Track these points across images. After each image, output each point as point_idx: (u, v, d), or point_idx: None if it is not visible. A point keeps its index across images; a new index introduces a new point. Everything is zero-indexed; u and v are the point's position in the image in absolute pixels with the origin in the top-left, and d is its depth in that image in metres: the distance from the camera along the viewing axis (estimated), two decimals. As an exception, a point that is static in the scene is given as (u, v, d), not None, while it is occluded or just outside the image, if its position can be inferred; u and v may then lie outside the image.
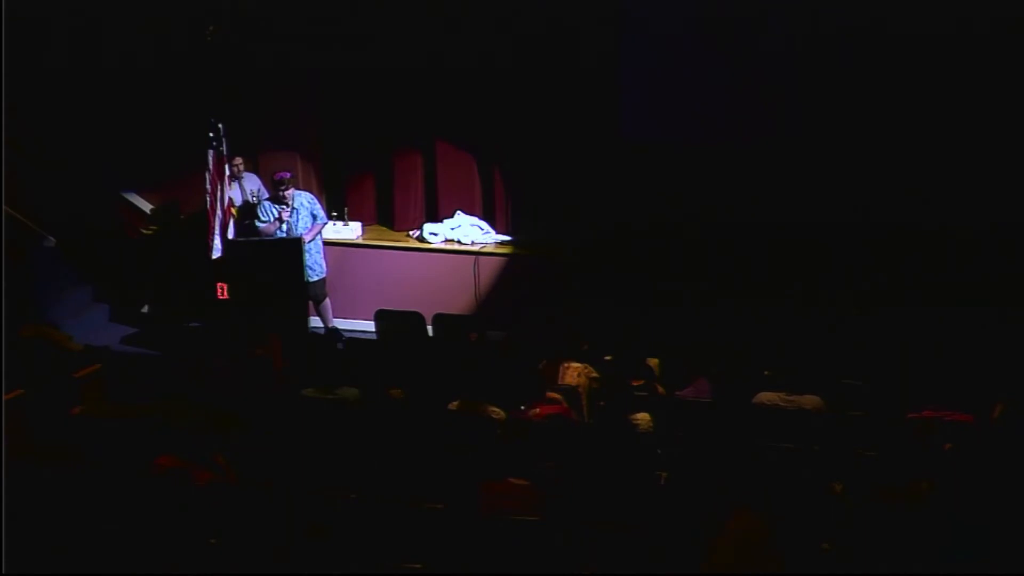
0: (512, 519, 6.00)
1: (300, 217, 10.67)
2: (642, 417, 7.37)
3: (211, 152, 10.13)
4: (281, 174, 10.64)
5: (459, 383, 7.94)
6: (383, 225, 11.78)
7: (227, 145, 10.25)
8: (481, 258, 11.15)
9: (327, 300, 11.06)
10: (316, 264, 10.84)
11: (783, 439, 7.20)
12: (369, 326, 10.47)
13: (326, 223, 11.02)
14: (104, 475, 6.46)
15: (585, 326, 9.26)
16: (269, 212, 10.65)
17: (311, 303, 10.98)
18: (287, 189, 10.59)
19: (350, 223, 11.44)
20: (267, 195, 10.99)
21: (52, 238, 11.81)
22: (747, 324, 9.79)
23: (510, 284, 11.11)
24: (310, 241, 10.69)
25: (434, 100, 11.20)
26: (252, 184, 11.13)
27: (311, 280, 10.79)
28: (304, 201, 10.76)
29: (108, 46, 11.17)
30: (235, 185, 10.90)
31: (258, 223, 10.67)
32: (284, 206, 10.60)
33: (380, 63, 11.09)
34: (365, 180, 11.72)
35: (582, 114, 10.79)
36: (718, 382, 8.14)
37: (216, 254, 10.30)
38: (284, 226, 10.63)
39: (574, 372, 8.18)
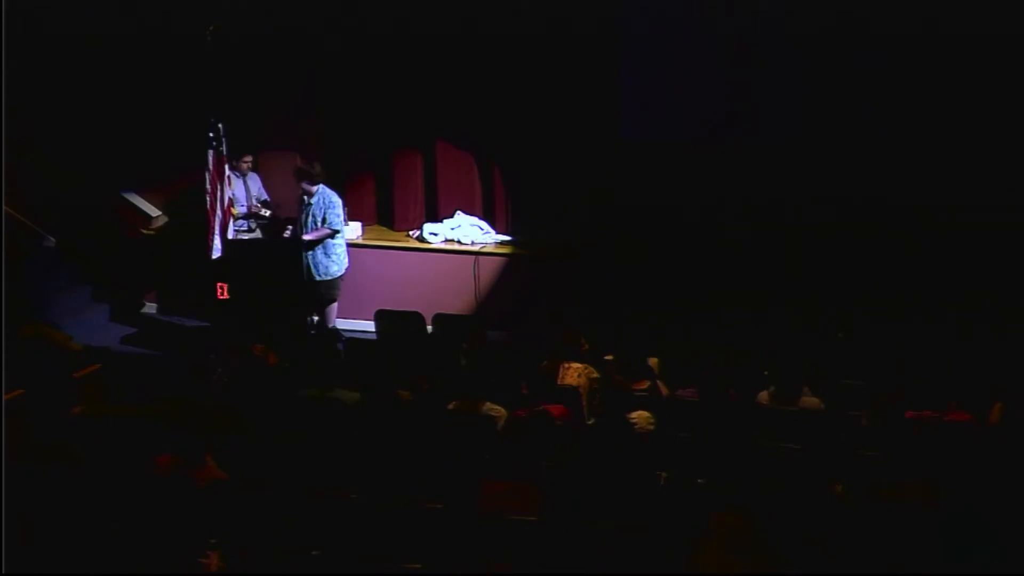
0: (512, 519, 6.00)
1: (310, 215, 10.61)
2: (640, 415, 7.36)
3: (211, 152, 10.14)
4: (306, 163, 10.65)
5: (459, 383, 7.94)
6: (383, 225, 11.76)
7: (227, 145, 10.25)
8: (481, 258, 11.15)
9: (334, 304, 10.97)
10: (321, 264, 10.72)
11: (783, 439, 7.20)
12: (369, 326, 10.46)
13: (333, 231, 10.67)
14: (104, 475, 6.46)
15: (585, 326, 9.24)
16: (308, 221, 10.55)
17: (317, 303, 10.94)
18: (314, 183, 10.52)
19: (350, 223, 11.42)
20: (268, 198, 11.00)
21: (52, 238, 11.80)
22: (748, 324, 9.79)
23: (510, 284, 11.10)
24: (310, 241, 10.66)
25: (434, 100, 11.19)
26: (254, 184, 11.10)
27: (316, 279, 10.74)
28: (321, 201, 10.59)
29: (108, 46, 11.17)
30: (239, 183, 10.88)
31: (305, 235, 10.57)
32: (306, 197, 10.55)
33: (380, 63, 11.09)
34: (365, 180, 11.71)
35: (582, 114, 10.79)
36: (718, 382, 8.13)
37: (216, 254, 10.31)
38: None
39: (574, 372, 8.17)
